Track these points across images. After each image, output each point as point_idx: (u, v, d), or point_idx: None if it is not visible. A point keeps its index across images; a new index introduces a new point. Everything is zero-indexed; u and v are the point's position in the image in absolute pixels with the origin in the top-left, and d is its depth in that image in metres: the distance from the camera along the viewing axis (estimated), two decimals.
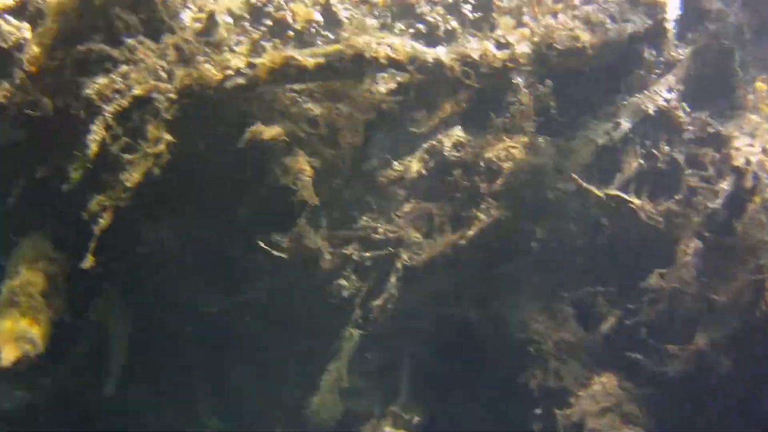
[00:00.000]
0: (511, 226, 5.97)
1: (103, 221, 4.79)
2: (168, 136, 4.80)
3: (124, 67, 4.89)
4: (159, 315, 5.94)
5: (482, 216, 5.96)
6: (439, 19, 6.18)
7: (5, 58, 5.09)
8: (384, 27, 6.00)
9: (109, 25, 4.96)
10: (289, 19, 5.66)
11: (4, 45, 5.12)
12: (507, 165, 5.97)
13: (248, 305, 5.93)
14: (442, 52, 5.13)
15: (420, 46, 5.06)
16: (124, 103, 4.81)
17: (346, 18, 5.87)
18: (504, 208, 5.94)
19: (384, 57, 4.85)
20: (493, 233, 5.97)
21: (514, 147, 6.00)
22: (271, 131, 4.80)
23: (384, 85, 5.25)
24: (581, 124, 6.23)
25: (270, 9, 5.59)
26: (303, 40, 5.75)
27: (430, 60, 5.04)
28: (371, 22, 5.95)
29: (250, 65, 4.89)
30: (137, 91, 4.82)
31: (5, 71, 5.09)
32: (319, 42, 5.80)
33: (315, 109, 5.05)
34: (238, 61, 4.90)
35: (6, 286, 5.05)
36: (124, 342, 5.92)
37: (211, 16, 5.11)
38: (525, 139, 6.01)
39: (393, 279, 5.99)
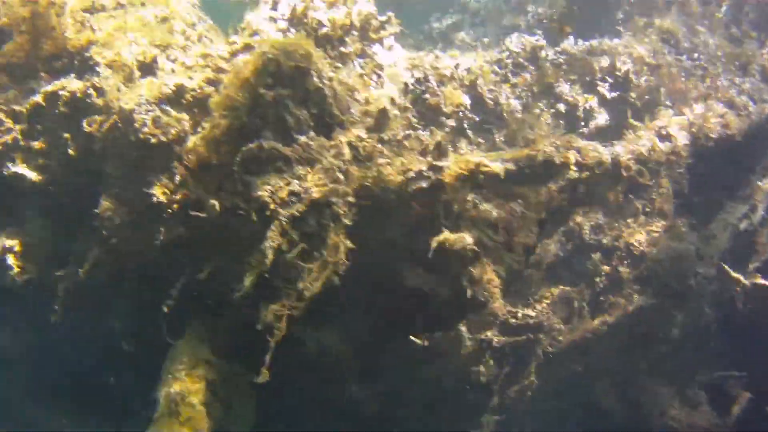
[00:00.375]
0: (654, 312, 5.89)
1: (278, 332, 4.54)
2: (348, 243, 4.57)
3: (299, 168, 4.61)
4: (289, 401, 5.70)
5: (623, 302, 5.88)
6: (579, 98, 6.03)
7: (165, 151, 4.81)
8: (526, 108, 5.82)
9: (280, 121, 4.69)
10: (442, 104, 5.45)
11: (164, 138, 4.83)
12: (649, 250, 5.89)
13: (388, 393, 5.73)
14: (620, 151, 4.99)
15: (600, 147, 4.90)
16: (302, 207, 4.55)
17: (490, 99, 5.69)
18: (647, 294, 5.86)
19: (573, 163, 4.68)
20: (635, 319, 5.89)
21: (655, 232, 5.92)
22: (461, 241, 4.59)
23: (555, 182, 5.08)
24: (717, 205, 6.18)
25: (426, 96, 5.37)
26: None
27: (610, 161, 4.90)
28: (514, 103, 5.76)
29: (433, 168, 4.68)
30: (315, 194, 4.57)
31: (165, 166, 4.81)
32: (465, 125, 5.62)
33: (492, 210, 4.85)
34: (419, 163, 4.68)
35: (164, 393, 4.78)
36: (248, 422, 5.69)
37: (384, 112, 4.87)
38: (665, 222, 5.94)
39: (532, 365, 5.86)
